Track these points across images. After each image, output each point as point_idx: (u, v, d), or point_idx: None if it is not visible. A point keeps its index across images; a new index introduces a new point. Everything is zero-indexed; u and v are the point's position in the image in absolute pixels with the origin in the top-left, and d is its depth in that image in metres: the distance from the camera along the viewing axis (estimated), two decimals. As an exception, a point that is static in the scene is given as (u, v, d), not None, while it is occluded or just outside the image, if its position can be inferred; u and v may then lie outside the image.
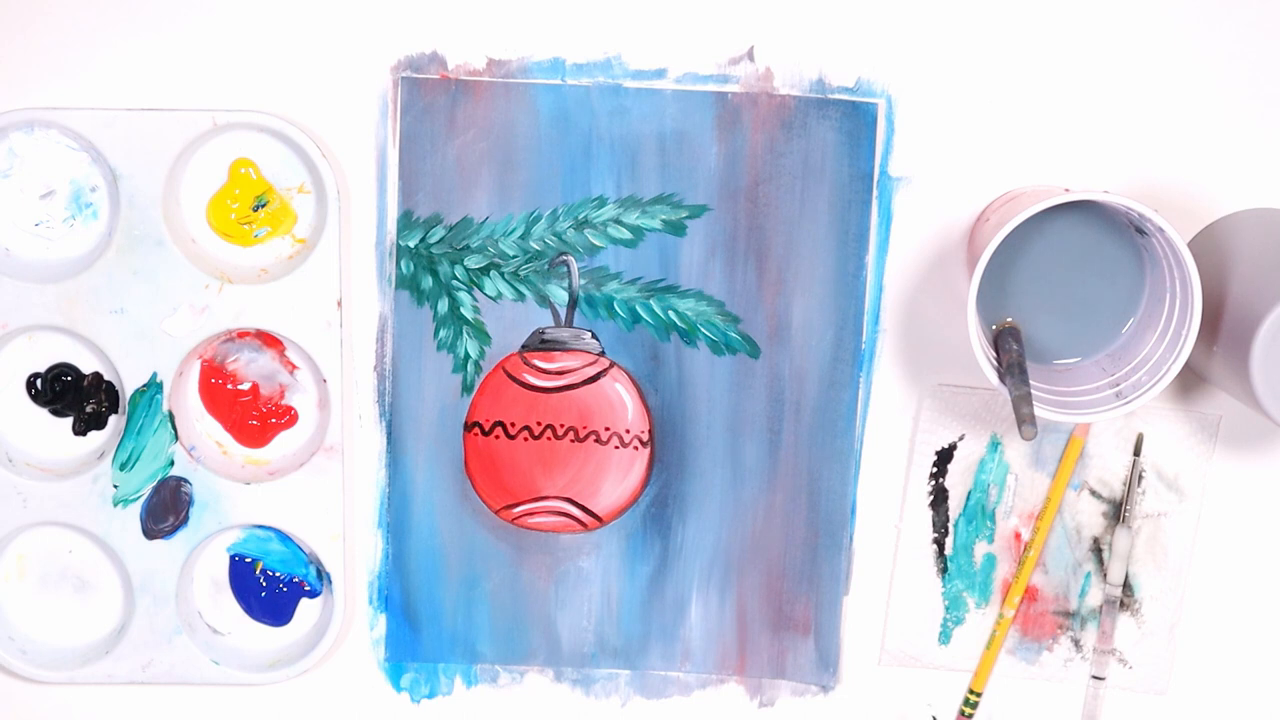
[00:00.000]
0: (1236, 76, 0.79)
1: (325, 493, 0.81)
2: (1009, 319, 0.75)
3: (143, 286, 0.78)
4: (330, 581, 0.82)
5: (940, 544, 0.83)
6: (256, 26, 0.78)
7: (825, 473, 0.82)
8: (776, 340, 0.81)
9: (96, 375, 0.81)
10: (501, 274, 0.80)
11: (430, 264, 0.80)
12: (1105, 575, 0.83)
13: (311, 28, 0.78)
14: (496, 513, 0.82)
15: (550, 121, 0.79)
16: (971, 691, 0.84)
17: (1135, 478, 0.82)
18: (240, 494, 0.81)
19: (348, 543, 0.82)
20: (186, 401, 0.81)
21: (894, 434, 0.82)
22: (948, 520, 0.83)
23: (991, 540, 0.83)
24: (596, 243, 0.80)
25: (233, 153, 0.79)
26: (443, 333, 0.81)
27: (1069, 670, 0.84)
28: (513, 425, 0.81)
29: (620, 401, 0.81)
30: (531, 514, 0.82)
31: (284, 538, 0.82)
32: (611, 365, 0.81)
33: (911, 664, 0.84)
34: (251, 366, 0.81)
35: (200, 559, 0.83)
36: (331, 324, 0.79)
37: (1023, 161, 0.79)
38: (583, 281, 0.80)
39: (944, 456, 0.82)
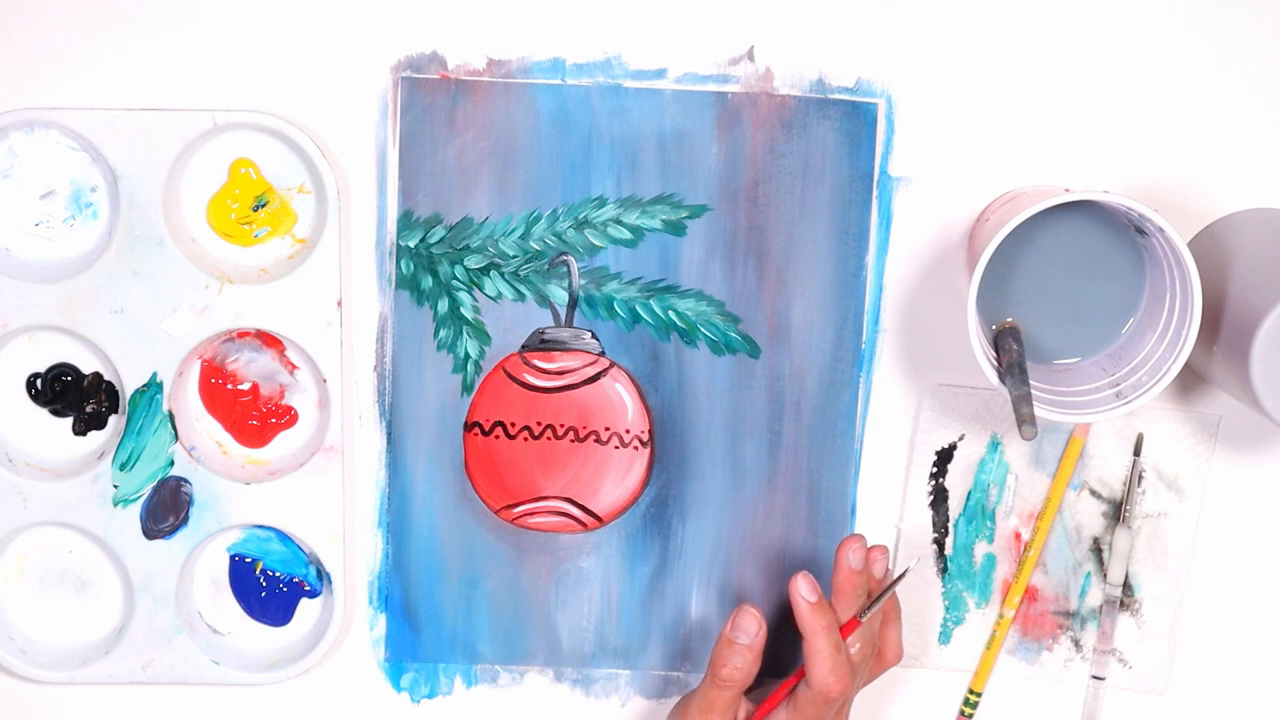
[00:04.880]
0: (1236, 76, 0.79)
1: (325, 493, 0.81)
2: (1009, 319, 0.75)
3: (143, 286, 0.78)
4: (330, 581, 0.82)
5: (940, 544, 0.83)
6: (256, 26, 0.78)
7: (825, 473, 0.82)
8: (776, 340, 0.81)
9: (96, 375, 0.81)
10: (501, 274, 0.80)
11: (430, 264, 0.80)
12: (1105, 575, 0.83)
13: (311, 28, 0.78)
14: (496, 513, 0.82)
15: (550, 121, 0.79)
16: (971, 691, 0.84)
17: (1135, 478, 0.82)
18: (240, 494, 0.81)
19: (348, 543, 0.82)
20: (186, 401, 0.81)
21: (894, 434, 0.82)
22: (948, 520, 0.83)
23: (991, 540, 0.83)
24: (596, 243, 0.80)
25: (233, 153, 0.79)
26: (443, 333, 0.81)
27: (1069, 670, 0.84)
28: (513, 425, 0.81)
29: (620, 401, 0.81)
30: (531, 514, 0.82)
31: (284, 538, 0.82)
32: (611, 365, 0.81)
33: (911, 664, 0.84)
34: (251, 366, 0.81)
35: (200, 559, 0.83)
36: (331, 324, 0.79)
37: (1023, 161, 0.79)
38: (583, 281, 0.80)
39: (944, 456, 0.82)
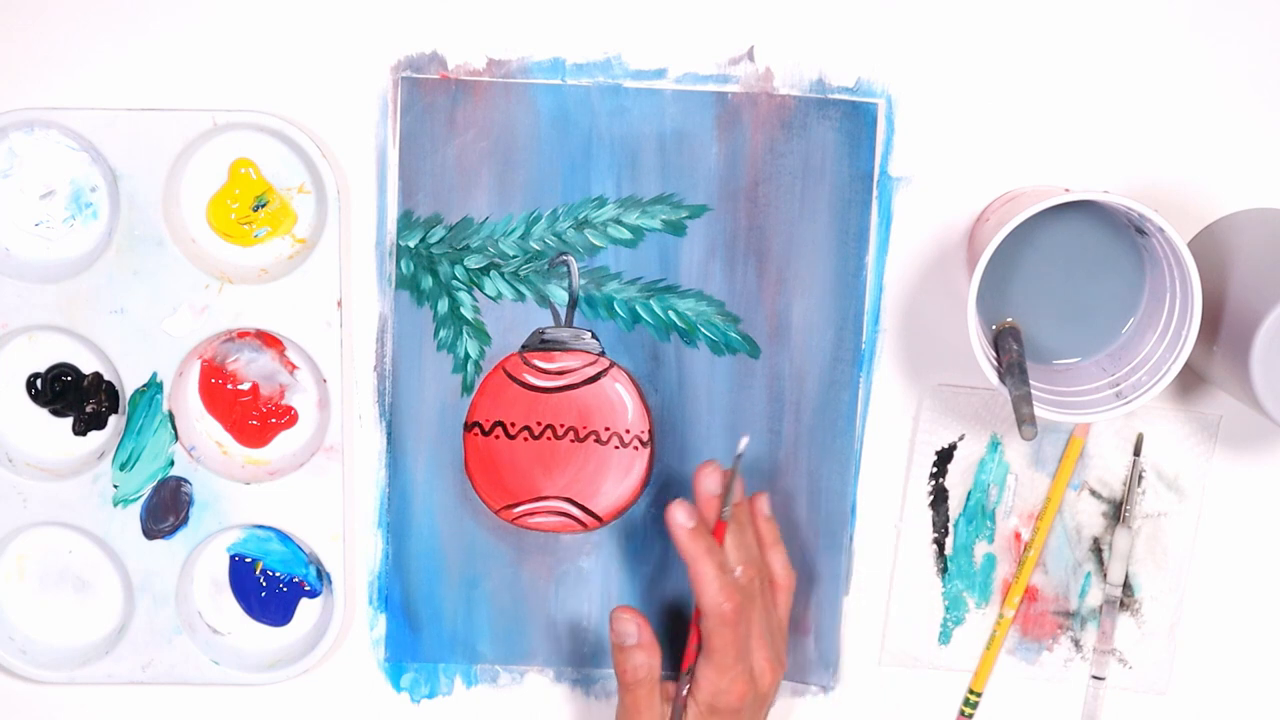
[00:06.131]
0: (1236, 76, 0.79)
1: (325, 493, 0.81)
2: (1009, 319, 0.75)
3: (143, 286, 0.78)
4: (330, 581, 0.82)
5: (940, 544, 0.83)
6: (256, 26, 0.78)
7: (825, 473, 0.82)
8: (776, 340, 0.81)
9: (96, 375, 0.81)
10: (501, 274, 0.80)
11: (430, 264, 0.80)
12: (1105, 575, 0.83)
13: (311, 28, 0.78)
14: (496, 513, 0.82)
15: (550, 121, 0.79)
16: (971, 691, 0.84)
17: (1135, 478, 0.82)
18: (240, 494, 0.81)
19: (348, 543, 0.82)
20: (186, 401, 0.81)
21: (894, 434, 0.82)
22: (948, 520, 0.83)
23: (991, 540, 0.83)
24: (596, 243, 0.80)
25: (233, 153, 0.79)
26: (443, 333, 0.81)
27: (1069, 670, 0.84)
28: (513, 425, 0.81)
29: (620, 401, 0.81)
30: (531, 514, 0.82)
31: (284, 538, 0.82)
32: (611, 365, 0.81)
33: (911, 664, 0.84)
34: (251, 366, 0.81)
35: (200, 559, 0.83)
36: (331, 324, 0.79)
37: (1023, 161, 0.79)
38: (583, 281, 0.80)
39: (944, 456, 0.82)
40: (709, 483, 0.74)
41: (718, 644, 0.73)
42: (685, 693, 0.74)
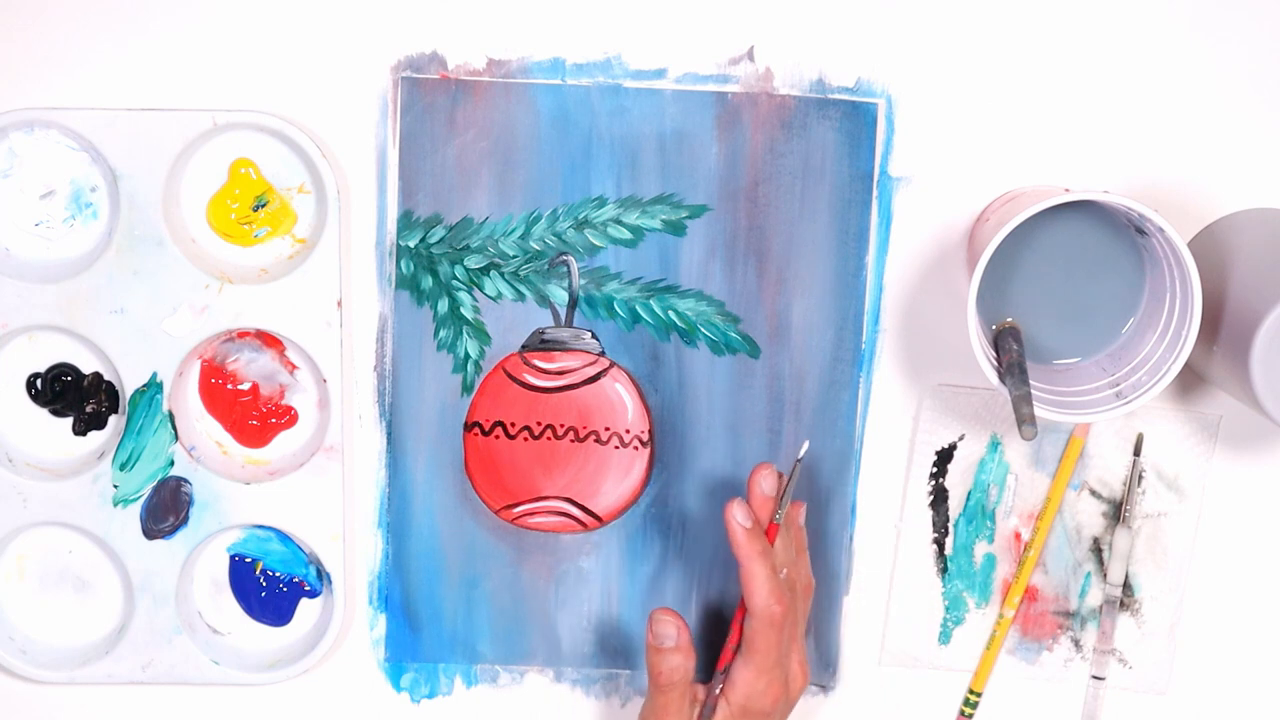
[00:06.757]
0: (1236, 76, 0.79)
1: (325, 493, 0.81)
2: (1009, 319, 0.75)
3: (143, 286, 0.78)
4: (330, 581, 0.82)
5: (940, 544, 0.83)
6: (256, 26, 0.78)
7: (825, 472, 0.82)
8: (776, 340, 0.81)
9: (96, 375, 0.81)
10: (501, 274, 0.80)
11: (430, 264, 0.80)
12: (1105, 575, 0.83)
13: (311, 28, 0.78)
14: (496, 513, 0.82)
15: (550, 121, 0.79)
16: (971, 691, 0.84)
17: (1135, 478, 0.82)
18: (240, 494, 0.81)
19: (348, 543, 0.82)
20: (186, 401, 0.81)
21: (894, 434, 0.82)
22: (948, 520, 0.83)
23: (991, 540, 0.83)
24: (596, 243, 0.80)
25: (233, 153, 0.79)
26: (443, 333, 0.81)
27: (1069, 670, 0.84)
28: (513, 425, 0.81)
29: (620, 401, 0.81)
30: (531, 514, 0.82)
31: (284, 538, 0.82)
32: (611, 365, 0.81)
33: (911, 664, 0.84)
34: (251, 366, 0.81)
35: (200, 559, 0.83)
36: (331, 324, 0.79)
37: (1023, 161, 0.79)
38: (583, 281, 0.80)
39: (944, 456, 0.82)
40: (766, 484, 0.74)
41: (761, 645, 0.73)
42: (718, 692, 0.74)
